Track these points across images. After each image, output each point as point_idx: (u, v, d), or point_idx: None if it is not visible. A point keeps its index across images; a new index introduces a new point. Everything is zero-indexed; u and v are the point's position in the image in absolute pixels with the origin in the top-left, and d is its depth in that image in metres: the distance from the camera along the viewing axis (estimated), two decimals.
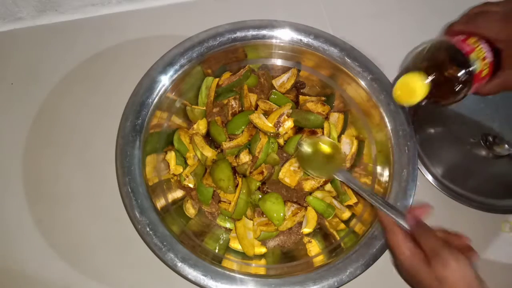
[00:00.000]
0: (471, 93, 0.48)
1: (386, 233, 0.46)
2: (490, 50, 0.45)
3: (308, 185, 0.62)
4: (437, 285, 0.40)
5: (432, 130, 0.68)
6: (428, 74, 0.44)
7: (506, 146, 0.65)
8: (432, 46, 0.46)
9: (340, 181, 0.61)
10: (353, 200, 0.62)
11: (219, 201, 0.62)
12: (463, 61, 0.44)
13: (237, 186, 0.60)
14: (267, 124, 0.62)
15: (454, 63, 0.44)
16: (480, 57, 0.44)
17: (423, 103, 0.47)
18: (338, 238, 0.59)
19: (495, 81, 0.47)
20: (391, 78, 0.60)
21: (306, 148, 0.60)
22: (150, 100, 0.58)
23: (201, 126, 0.65)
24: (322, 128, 0.64)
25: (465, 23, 0.47)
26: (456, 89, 0.45)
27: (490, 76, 0.46)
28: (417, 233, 0.44)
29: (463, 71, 0.44)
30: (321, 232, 0.62)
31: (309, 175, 0.61)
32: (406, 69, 0.46)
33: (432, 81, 0.44)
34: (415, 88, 0.44)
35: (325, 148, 0.60)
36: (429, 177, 0.65)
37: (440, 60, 0.45)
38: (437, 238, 0.43)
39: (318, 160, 0.60)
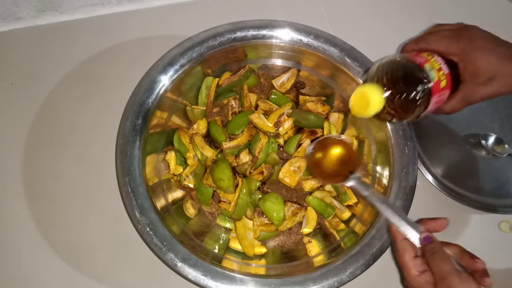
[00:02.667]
0: (434, 113, 0.47)
1: (396, 250, 0.44)
2: (445, 63, 0.45)
3: (308, 185, 0.62)
4: None
5: (432, 130, 0.68)
6: (384, 86, 0.43)
7: (506, 146, 0.65)
8: (389, 61, 0.45)
9: None
10: (353, 200, 0.62)
11: (219, 201, 0.62)
12: (419, 73, 0.44)
13: (237, 186, 0.60)
14: (267, 124, 0.62)
15: (410, 76, 0.44)
16: (435, 68, 0.44)
17: (381, 118, 0.46)
18: (338, 238, 0.59)
19: (458, 96, 0.46)
20: None
21: (316, 153, 0.51)
22: (150, 100, 0.58)
23: (201, 126, 0.65)
24: (322, 128, 0.64)
25: (417, 41, 0.48)
26: (414, 102, 0.44)
27: (451, 90, 0.46)
28: (428, 253, 0.42)
29: (419, 83, 0.43)
30: (321, 232, 0.62)
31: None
32: (363, 82, 0.46)
33: (388, 93, 0.43)
34: (371, 99, 0.43)
35: (337, 151, 0.51)
36: (429, 177, 0.65)
37: (396, 74, 0.44)
38: (447, 262, 0.41)
39: (330, 165, 0.51)
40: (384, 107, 0.44)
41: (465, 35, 0.46)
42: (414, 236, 0.43)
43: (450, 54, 0.46)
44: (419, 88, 0.43)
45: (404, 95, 0.43)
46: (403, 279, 0.45)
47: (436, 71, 0.44)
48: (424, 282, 0.41)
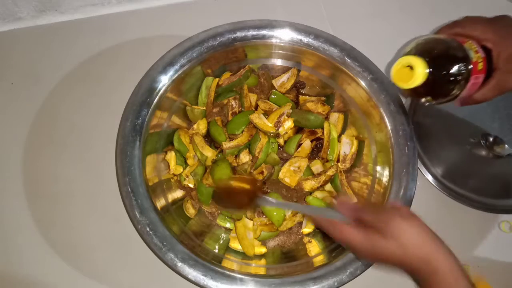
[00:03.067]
0: (463, 103, 0.47)
1: (332, 232, 0.45)
2: (480, 48, 0.45)
3: (308, 185, 0.62)
4: (401, 251, 0.40)
5: (432, 130, 0.68)
6: (428, 61, 0.43)
7: (506, 146, 0.65)
8: (429, 39, 0.46)
9: (340, 180, 0.61)
10: (353, 200, 0.62)
11: None
12: (460, 51, 0.43)
13: None
14: (267, 124, 0.62)
15: (451, 53, 0.44)
16: (473, 49, 0.44)
17: (417, 93, 0.46)
18: None
19: (491, 83, 0.46)
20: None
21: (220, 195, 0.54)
22: (150, 100, 0.58)
23: (201, 126, 0.64)
24: (322, 128, 0.64)
25: (451, 26, 0.48)
26: (453, 81, 0.44)
27: (485, 75, 0.45)
28: (358, 215, 0.43)
29: (460, 61, 0.43)
30: (321, 232, 0.62)
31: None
32: (407, 53, 0.46)
33: (431, 68, 0.43)
34: (415, 71, 0.43)
35: (238, 184, 0.52)
36: (429, 177, 0.65)
37: (438, 51, 0.44)
38: (378, 210, 0.43)
39: (236, 198, 0.52)
40: (423, 83, 0.43)
41: (500, 22, 0.46)
42: (339, 216, 0.45)
43: (484, 40, 0.45)
44: (460, 66, 0.43)
45: (445, 72, 0.43)
46: (356, 252, 0.45)
47: (474, 52, 0.44)
48: (373, 238, 0.42)
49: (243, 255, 0.59)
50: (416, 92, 0.46)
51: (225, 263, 0.55)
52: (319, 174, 0.61)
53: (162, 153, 0.63)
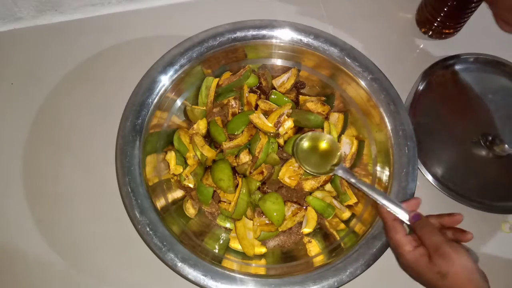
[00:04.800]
0: None
1: (388, 230, 0.48)
2: None
3: (308, 185, 0.62)
4: (439, 278, 0.42)
5: (432, 130, 0.68)
6: None
7: (506, 146, 0.65)
8: None
9: (340, 180, 0.61)
10: (353, 200, 0.62)
11: (219, 201, 0.62)
12: None
13: (237, 186, 0.60)
14: (267, 124, 0.62)
15: None
16: None
17: None
18: (338, 238, 0.59)
19: None
20: (391, 78, 0.60)
21: (305, 143, 0.59)
22: (150, 100, 0.58)
23: (201, 126, 0.65)
24: (322, 128, 0.64)
25: None
26: None
27: None
28: (418, 228, 0.45)
29: None
30: (321, 232, 0.62)
31: (308, 172, 0.61)
32: None
33: None
34: None
35: (324, 143, 0.59)
36: (429, 177, 0.65)
37: None
38: (437, 234, 0.44)
39: (316, 156, 0.59)
40: None
41: None
42: (403, 215, 0.48)
43: None
44: None
45: None
46: (398, 259, 0.47)
47: None
48: (418, 255, 0.44)
49: (243, 255, 0.59)
50: None
51: (225, 263, 0.55)
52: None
53: (162, 153, 0.63)
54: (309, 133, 0.60)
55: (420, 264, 0.43)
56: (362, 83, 0.60)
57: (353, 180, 0.54)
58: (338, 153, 0.58)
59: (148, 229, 0.52)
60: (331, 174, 0.58)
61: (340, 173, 0.56)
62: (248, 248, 0.58)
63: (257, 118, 0.62)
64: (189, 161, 0.63)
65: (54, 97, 0.71)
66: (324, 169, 0.58)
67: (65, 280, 0.60)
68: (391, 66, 0.69)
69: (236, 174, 0.62)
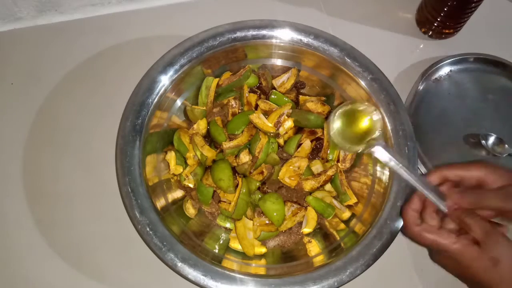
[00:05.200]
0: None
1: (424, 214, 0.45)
2: None
3: (308, 185, 0.62)
4: (490, 266, 0.39)
5: (432, 131, 0.68)
6: None
7: (506, 146, 0.65)
8: None
9: (340, 180, 0.61)
10: (353, 200, 0.62)
11: (219, 201, 0.62)
12: None
13: (237, 186, 0.60)
14: (267, 124, 0.62)
15: None
16: None
17: None
18: (338, 238, 0.59)
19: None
20: (391, 78, 0.60)
21: (343, 117, 0.51)
22: (150, 100, 0.58)
23: (201, 126, 0.65)
24: (322, 128, 0.64)
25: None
26: None
27: None
28: (463, 216, 0.42)
29: None
30: (321, 232, 0.62)
31: (342, 148, 0.56)
32: None
33: None
34: None
35: (363, 116, 0.50)
36: None
37: None
38: (483, 220, 0.41)
39: (352, 129, 0.51)
40: None
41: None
42: (442, 203, 0.44)
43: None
44: None
45: None
46: (437, 255, 0.45)
47: None
48: (466, 243, 0.41)
49: (243, 255, 0.59)
50: None
51: (225, 263, 0.55)
52: (319, 174, 0.62)
53: (162, 153, 0.63)
54: (349, 105, 0.51)
55: (469, 251, 0.40)
56: (362, 83, 0.60)
57: (392, 163, 0.47)
58: (379, 125, 0.50)
59: (148, 229, 0.52)
60: (369, 149, 0.49)
61: (378, 150, 0.48)
62: (248, 248, 0.58)
63: (257, 118, 0.62)
64: (189, 161, 0.63)
65: (54, 97, 0.71)
66: (359, 145, 0.50)
67: (65, 280, 0.60)
68: (391, 66, 0.69)
69: (236, 174, 0.62)
